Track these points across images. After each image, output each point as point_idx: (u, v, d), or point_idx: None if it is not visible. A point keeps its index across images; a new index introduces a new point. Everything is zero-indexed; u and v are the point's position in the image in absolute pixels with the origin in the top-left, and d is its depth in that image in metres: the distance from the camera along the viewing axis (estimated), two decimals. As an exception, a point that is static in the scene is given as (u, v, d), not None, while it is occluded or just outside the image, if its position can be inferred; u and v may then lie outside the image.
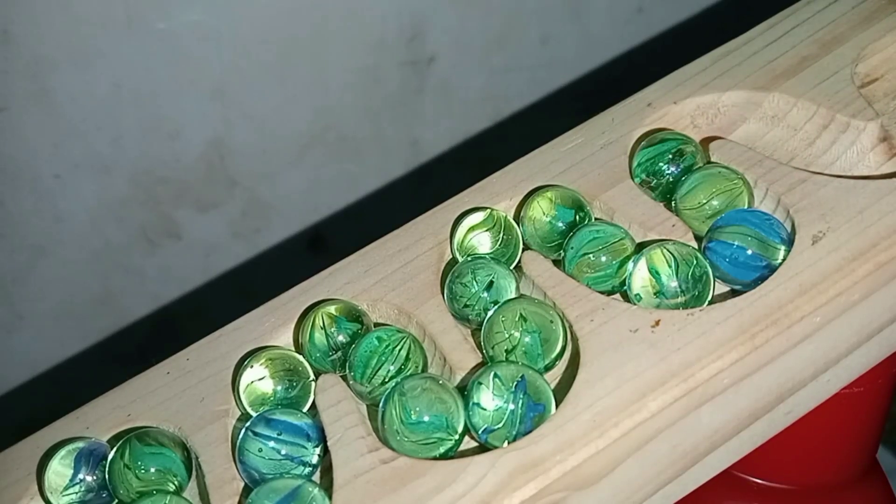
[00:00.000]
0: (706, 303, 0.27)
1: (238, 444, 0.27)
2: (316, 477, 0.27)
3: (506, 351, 0.27)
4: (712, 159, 0.31)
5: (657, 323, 0.26)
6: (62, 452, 0.28)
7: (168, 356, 0.31)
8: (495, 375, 0.25)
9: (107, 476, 0.27)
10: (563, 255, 0.29)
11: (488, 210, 0.30)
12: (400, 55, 0.50)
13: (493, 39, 0.52)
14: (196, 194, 0.51)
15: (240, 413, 0.29)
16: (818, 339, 0.26)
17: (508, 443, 0.25)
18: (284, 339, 0.30)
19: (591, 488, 0.24)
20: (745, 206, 0.29)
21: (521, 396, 0.25)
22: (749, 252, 0.27)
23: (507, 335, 0.27)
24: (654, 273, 0.27)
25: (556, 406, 0.25)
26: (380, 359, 0.27)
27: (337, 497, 0.24)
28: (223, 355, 0.30)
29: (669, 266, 0.27)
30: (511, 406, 0.25)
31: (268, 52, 0.47)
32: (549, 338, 0.27)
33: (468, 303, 0.28)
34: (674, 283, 0.27)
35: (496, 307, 0.27)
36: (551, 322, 0.27)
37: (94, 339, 0.54)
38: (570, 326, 0.27)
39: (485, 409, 0.25)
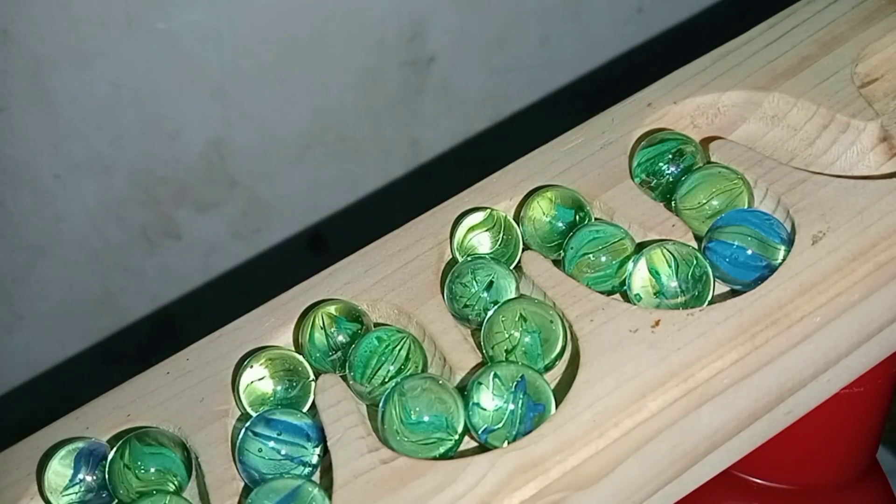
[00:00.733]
0: (706, 303, 0.27)
1: (238, 444, 0.27)
2: (316, 477, 0.27)
3: (506, 351, 0.27)
4: (712, 159, 0.31)
5: (657, 323, 0.26)
6: (62, 452, 0.28)
7: (168, 356, 0.31)
8: (495, 375, 0.25)
9: (107, 476, 0.27)
10: (563, 255, 0.29)
11: (488, 210, 0.30)
12: (400, 55, 0.50)
13: (493, 39, 0.52)
14: (196, 194, 0.51)
15: (240, 413, 0.29)
16: (818, 339, 0.26)
17: (508, 443, 0.25)
18: (284, 339, 0.30)
19: (591, 488, 0.24)
20: (745, 206, 0.29)
21: (521, 396, 0.25)
22: (749, 252, 0.27)
23: (507, 335, 0.27)
24: (654, 273, 0.27)
25: (556, 406, 0.25)
26: (380, 359, 0.27)
27: (337, 497, 0.24)
28: (223, 355, 0.30)
29: (669, 266, 0.27)
30: (511, 406, 0.25)
31: (268, 52, 0.47)
32: (549, 338, 0.27)
33: (468, 303, 0.28)
34: (674, 283, 0.27)
35: (496, 307, 0.27)
36: (551, 322, 0.27)
37: (94, 339, 0.54)
38: (570, 326, 0.27)
39: (485, 409, 0.25)
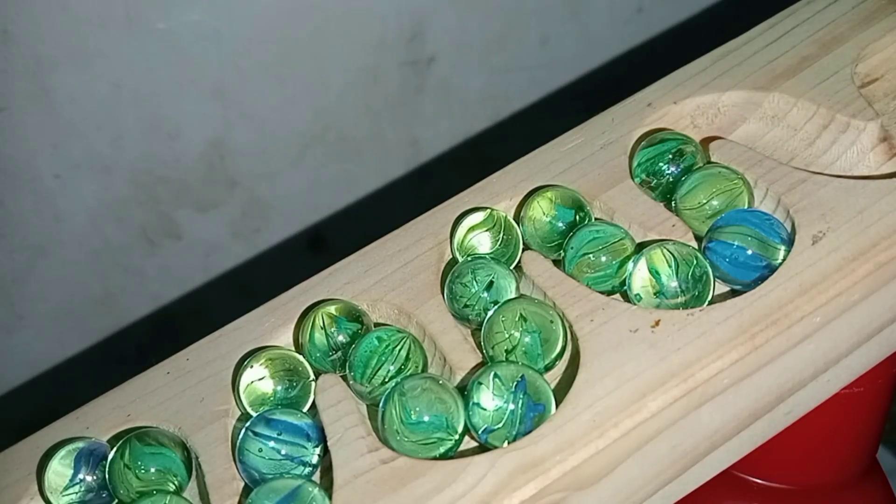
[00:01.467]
0: (706, 303, 0.27)
1: (238, 444, 0.27)
2: (316, 477, 0.27)
3: (506, 351, 0.27)
4: (712, 159, 0.31)
5: (657, 323, 0.26)
6: (62, 452, 0.28)
7: (168, 356, 0.31)
8: (495, 375, 0.25)
9: (107, 476, 0.27)
10: (563, 255, 0.29)
11: (488, 210, 0.30)
12: (400, 55, 0.50)
13: (493, 39, 0.52)
14: (196, 194, 0.50)
15: (240, 413, 0.29)
16: (818, 339, 0.26)
17: (508, 443, 0.25)
18: (284, 339, 0.30)
19: (591, 488, 0.24)
20: (745, 206, 0.29)
21: (521, 396, 0.25)
22: (749, 252, 0.27)
23: (507, 335, 0.27)
24: (654, 273, 0.27)
25: (556, 406, 0.25)
26: (380, 359, 0.27)
27: (337, 497, 0.24)
28: (223, 355, 0.30)
29: (669, 266, 0.27)
30: (511, 406, 0.25)
31: (268, 52, 0.47)
32: (549, 338, 0.27)
33: (468, 303, 0.28)
34: (674, 283, 0.27)
35: (496, 307, 0.27)
36: (551, 322, 0.27)
37: (94, 339, 0.54)
38: (570, 326, 0.27)
39: (485, 409, 0.25)
